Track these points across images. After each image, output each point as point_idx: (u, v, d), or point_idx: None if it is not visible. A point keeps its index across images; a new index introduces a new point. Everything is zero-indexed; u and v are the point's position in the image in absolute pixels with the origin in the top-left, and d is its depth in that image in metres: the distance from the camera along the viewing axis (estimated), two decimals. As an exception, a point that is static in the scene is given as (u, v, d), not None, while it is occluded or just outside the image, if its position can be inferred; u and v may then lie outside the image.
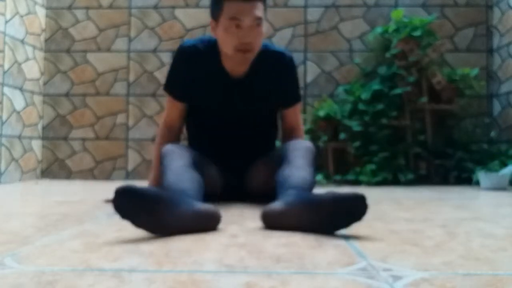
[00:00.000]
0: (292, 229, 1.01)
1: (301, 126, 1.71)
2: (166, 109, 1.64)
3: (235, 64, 1.54)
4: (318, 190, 2.24)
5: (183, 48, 1.57)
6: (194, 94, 1.59)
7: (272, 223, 1.03)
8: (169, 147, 1.37)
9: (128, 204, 0.89)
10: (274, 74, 1.61)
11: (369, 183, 2.69)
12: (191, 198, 1.09)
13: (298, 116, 1.70)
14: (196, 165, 1.37)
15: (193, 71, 1.57)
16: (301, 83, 3.10)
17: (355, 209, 0.93)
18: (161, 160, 1.33)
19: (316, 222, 0.97)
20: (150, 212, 0.91)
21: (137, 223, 0.91)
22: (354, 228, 1.06)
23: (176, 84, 1.59)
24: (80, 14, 3.16)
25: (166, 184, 1.17)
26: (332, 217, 0.95)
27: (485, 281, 0.62)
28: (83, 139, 3.12)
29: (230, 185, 1.67)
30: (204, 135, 1.64)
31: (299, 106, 1.70)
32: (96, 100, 3.13)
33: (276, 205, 1.03)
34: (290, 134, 1.69)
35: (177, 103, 1.62)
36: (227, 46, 1.46)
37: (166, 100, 1.65)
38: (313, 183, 1.24)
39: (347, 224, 0.95)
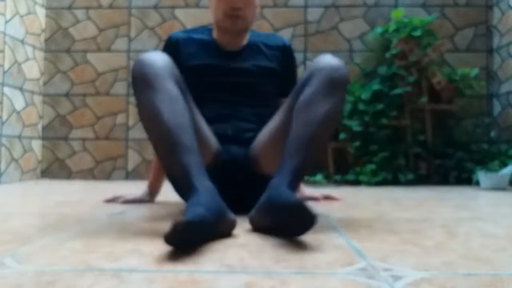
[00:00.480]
0: (266, 233, 0.99)
1: None
2: None
3: (227, 35, 1.48)
4: (312, 190, 2.24)
5: (172, 35, 1.55)
6: (187, 66, 1.48)
7: (252, 228, 1.04)
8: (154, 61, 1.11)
9: (182, 241, 0.79)
10: (270, 52, 1.53)
11: (369, 183, 2.69)
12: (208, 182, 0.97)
13: None
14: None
15: (185, 48, 1.50)
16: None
17: (301, 219, 0.87)
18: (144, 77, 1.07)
19: (275, 227, 0.94)
20: (202, 240, 0.87)
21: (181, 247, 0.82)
22: (354, 228, 1.06)
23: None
24: (80, 14, 3.16)
25: (161, 125, 1.02)
26: (284, 224, 0.91)
27: (485, 281, 0.62)
28: (83, 139, 3.12)
29: (231, 156, 1.35)
30: (200, 97, 1.45)
31: None
32: (96, 100, 3.13)
33: (252, 211, 1.04)
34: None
35: None
36: (218, 12, 1.44)
37: None
38: (324, 139, 1.10)
39: (298, 232, 0.89)
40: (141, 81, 1.06)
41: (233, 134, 1.39)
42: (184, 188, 0.98)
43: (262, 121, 1.46)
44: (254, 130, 1.42)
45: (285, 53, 1.55)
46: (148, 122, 1.04)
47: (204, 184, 0.96)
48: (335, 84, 1.13)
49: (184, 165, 0.98)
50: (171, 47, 1.53)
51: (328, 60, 1.16)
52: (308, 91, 1.14)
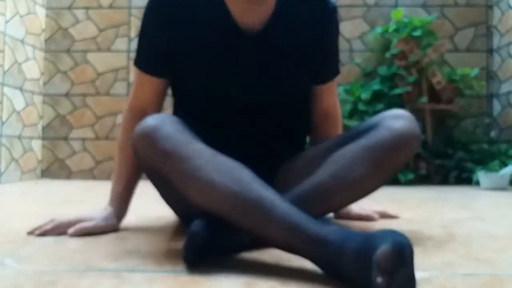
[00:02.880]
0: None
1: (339, 110, 1.17)
2: (134, 89, 1.05)
3: (246, 5, 0.96)
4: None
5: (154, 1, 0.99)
6: (180, 60, 0.99)
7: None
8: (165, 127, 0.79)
9: (196, 259, 0.69)
10: (310, 27, 1.02)
11: (369, 183, 2.68)
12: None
13: (335, 96, 1.15)
14: None
15: (177, 24, 0.98)
16: (301, 83, 3.10)
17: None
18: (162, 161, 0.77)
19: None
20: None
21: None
22: (354, 228, 1.06)
23: (151, 50, 1.01)
24: (80, 14, 3.16)
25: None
26: None
27: (485, 281, 0.62)
28: (83, 139, 3.12)
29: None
30: (199, 129, 0.98)
31: (336, 82, 1.15)
32: (96, 100, 3.13)
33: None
34: (326, 122, 1.15)
35: (152, 78, 1.03)
36: None
37: (137, 79, 1.06)
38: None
39: None
40: (167, 159, 0.76)
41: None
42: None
43: (287, 151, 1.08)
44: (277, 164, 1.08)
45: (329, 23, 1.05)
46: (204, 198, 0.72)
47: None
48: (399, 154, 0.84)
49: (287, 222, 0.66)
50: (157, 21, 0.99)
51: (402, 124, 0.84)
52: (365, 147, 0.84)
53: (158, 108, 1.07)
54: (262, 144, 1.04)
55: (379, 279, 0.52)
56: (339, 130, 1.17)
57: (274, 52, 0.99)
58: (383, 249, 0.53)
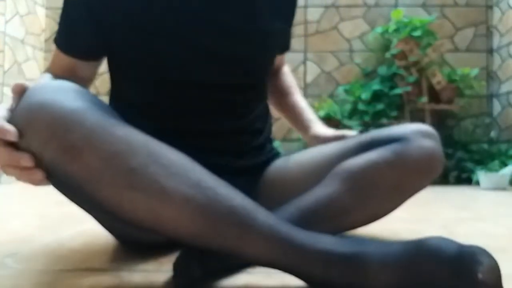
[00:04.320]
0: None
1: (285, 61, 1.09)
2: (52, 59, 0.84)
3: None
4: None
5: None
6: (118, 28, 0.77)
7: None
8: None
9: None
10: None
11: (369, 183, 2.69)
12: None
13: (284, 60, 1.08)
14: None
15: None
16: (301, 83, 3.10)
17: None
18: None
19: None
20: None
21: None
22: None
23: (73, 30, 0.79)
24: (80, 14, 3.16)
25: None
26: None
27: (485, 281, 0.62)
28: (83, 139, 3.11)
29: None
30: (148, 103, 0.80)
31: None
32: (96, 100, 3.13)
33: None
34: (277, 75, 1.06)
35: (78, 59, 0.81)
36: None
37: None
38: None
39: None
40: (77, 157, 0.50)
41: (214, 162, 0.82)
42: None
43: (256, 131, 0.89)
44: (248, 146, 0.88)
45: None
46: (150, 215, 0.51)
47: None
48: (425, 177, 0.75)
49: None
50: None
51: (433, 144, 0.75)
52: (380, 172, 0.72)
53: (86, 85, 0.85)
54: (225, 132, 0.83)
55: None
56: (291, 79, 1.08)
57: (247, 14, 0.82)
58: (487, 264, 0.47)
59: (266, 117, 0.93)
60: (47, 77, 0.79)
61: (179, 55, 0.77)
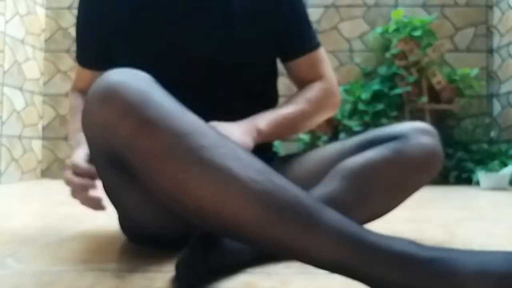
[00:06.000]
0: None
1: (331, 78, 0.93)
2: (76, 74, 0.97)
3: None
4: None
5: None
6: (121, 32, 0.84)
7: None
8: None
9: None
10: None
11: (369, 183, 2.69)
12: None
13: (322, 68, 0.92)
14: None
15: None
16: (301, 83, 3.10)
17: None
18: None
19: None
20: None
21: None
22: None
23: (89, 44, 0.91)
24: (80, 14, 3.16)
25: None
26: None
27: (485, 281, 0.62)
28: (83, 139, 3.12)
29: None
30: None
31: (318, 55, 0.92)
32: (96, 100, 3.13)
33: None
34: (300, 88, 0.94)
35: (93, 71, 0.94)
36: None
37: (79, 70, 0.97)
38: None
39: None
40: (152, 133, 0.51)
41: None
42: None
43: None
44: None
45: None
46: (218, 195, 0.50)
47: None
48: (425, 174, 0.75)
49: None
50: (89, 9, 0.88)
51: (431, 141, 0.75)
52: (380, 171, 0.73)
53: None
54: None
55: None
56: (307, 96, 0.90)
57: (232, 8, 0.84)
58: None
59: None
60: (75, 96, 0.93)
61: (165, 57, 0.82)
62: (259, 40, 0.87)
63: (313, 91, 0.90)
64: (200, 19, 0.83)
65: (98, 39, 0.88)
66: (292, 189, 0.51)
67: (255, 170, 0.51)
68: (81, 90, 0.96)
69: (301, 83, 0.93)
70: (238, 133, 0.76)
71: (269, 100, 0.92)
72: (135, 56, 0.83)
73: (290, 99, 0.89)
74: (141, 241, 0.83)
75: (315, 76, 0.92)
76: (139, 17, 0.83)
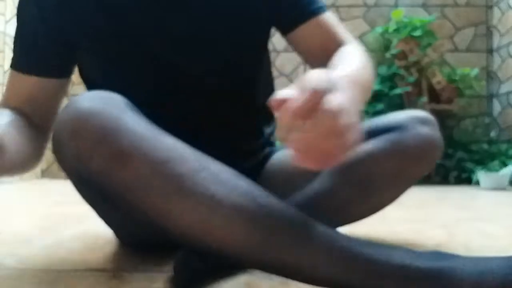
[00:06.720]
0: None
1: (354, 41, 0.86)
2: (8, 88, 0.78)
3: None
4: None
5: None
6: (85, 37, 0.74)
7: None
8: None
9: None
10: None
11: (369, 183, 2.69)
12: None
13: (333, 32, 0.81)
14: None
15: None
16: (301, 83, 3.10)
17: None
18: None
19: None
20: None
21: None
22: (353, 227, 1.06)
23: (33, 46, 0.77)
24: (80, 14, 3.16)
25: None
26: None
27: (485, 281, 0.62)
28: (83, 139, 3.11)
29: None
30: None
31: (327, 19, 0.80)
32: (96, 100, 3.13)
33: None
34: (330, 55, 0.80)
35: (44, 79, 0.76)
36: None
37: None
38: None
39: None
40: (127, 163, 0.48)
41: None
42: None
43: (244, 147, 0.83)
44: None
45: None
46: (201, 223, 0.49)
47: None
48: (424, 164, 0.72)
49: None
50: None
51: (430, 131, 0.72)
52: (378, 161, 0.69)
53: (48, 113, 0.77)
54: (217, 132, 0.77)
55: None
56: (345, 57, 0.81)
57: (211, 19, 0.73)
58: None
59: (257, 133, 0.85)
60: (5, 114, 0.69)
61: (138, 64, 0.73)
62: (248, 29, 0.76)
63: (348, 50, 0.79)
64: (178, 21, 0.72)
65: (56, 43, 0.75)
66: (278, 207, 0.50)
67: (238, 193, 0.50)
68: (13, 108, 0.73)
69: (319, 61, 0.79)
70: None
71: (262, 106, 0.81)
72: (104, 62, 0.74)
73: (334, 60, 0.75)
74: (137, 248, 0.82)
75: (333, 43, 0.81)
76: (109, 18, 0.72)
